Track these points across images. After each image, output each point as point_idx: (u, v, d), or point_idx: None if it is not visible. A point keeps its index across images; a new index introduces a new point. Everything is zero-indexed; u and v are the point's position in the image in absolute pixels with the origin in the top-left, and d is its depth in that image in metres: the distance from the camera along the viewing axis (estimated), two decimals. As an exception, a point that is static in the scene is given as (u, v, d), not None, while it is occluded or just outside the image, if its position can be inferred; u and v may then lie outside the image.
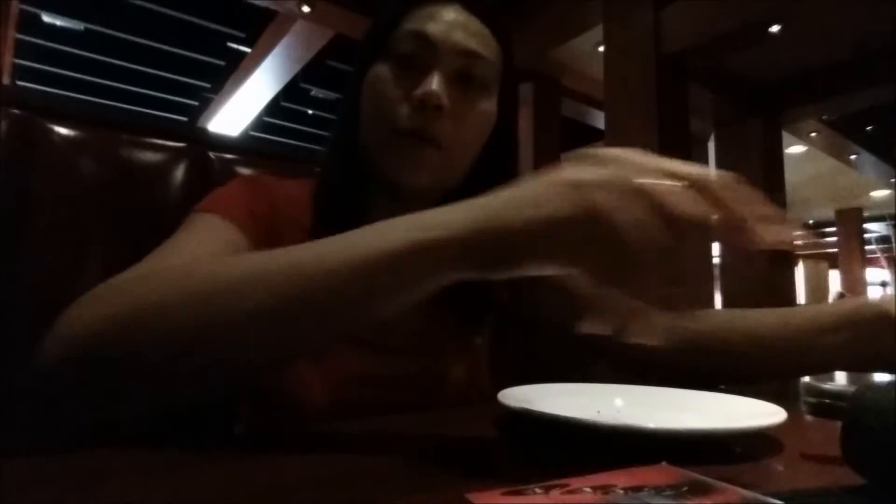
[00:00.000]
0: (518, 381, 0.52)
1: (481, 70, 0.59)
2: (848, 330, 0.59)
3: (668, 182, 0.33)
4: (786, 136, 5.51)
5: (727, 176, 0.34)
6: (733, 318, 0.68)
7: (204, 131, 2.16)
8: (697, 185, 0.33)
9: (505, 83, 0.63)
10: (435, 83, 0.55)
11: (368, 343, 0.59)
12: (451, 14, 0.59)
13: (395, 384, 0.60)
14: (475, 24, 0.59)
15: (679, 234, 0.32)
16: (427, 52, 0.57)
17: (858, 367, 0.62)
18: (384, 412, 0.52)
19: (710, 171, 0.34)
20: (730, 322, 0.67)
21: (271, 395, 0.56)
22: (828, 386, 0.50)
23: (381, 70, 0.58)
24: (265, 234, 0.57)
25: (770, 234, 0.33)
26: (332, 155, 0.64)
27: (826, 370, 0.65)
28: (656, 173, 0.33)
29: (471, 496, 0.25)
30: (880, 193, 8.41)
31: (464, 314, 0.66)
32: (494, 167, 0.63)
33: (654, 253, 0.32)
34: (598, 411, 0.48)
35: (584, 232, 0.33)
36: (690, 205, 0.32)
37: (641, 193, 0.32)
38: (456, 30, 0.58)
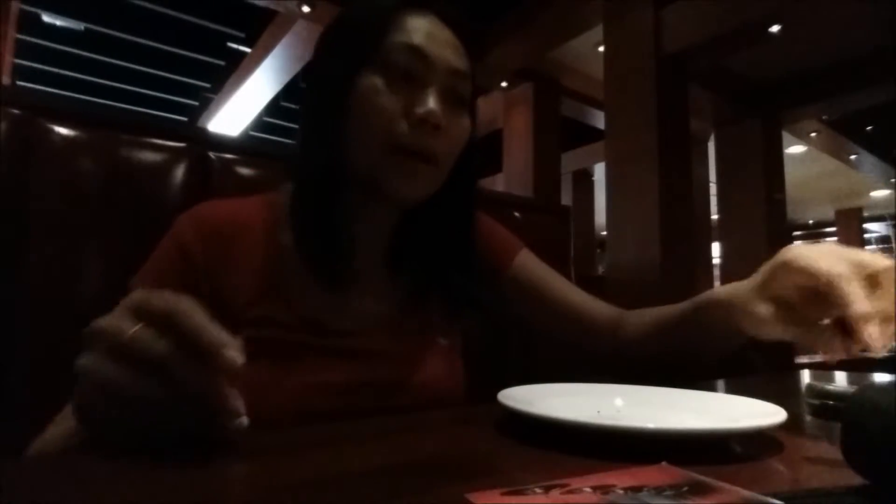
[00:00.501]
0: (498, 380, 0.52)
1: (464, 88, 0.62)
2: (694, 319, 0.64)
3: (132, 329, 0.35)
4: (786, 136, 5.51)
5: (188, 303, 0.36)
6: (645, 315, 0.73)
7: (204, 131, 2.17)
8: (162, 321, 0.35)
9: (472, 98, 0.65)
10: (432, 102, 0.57)
11: (337, 350, 0.59)
12: (436, 29, 0.60)
13: (366, 390, 0.60)
14: (458, 44, 0.62)
15: (168, 378, 0.34)
16: (423, 69, 0.58)
17: (720, 346, 0.67)
18: (356, 419, 0.51)
19: (174, 300, 0.36)
20: (643, 320, 0.72)
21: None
22: (830, 387, 0.50)
23: (375, 81, 0.58)
24: (209, 279, 0.58)
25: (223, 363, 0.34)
26: (314, 161, 0.61)
27: (701, 354, 0.69)
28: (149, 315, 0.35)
29: (471, 496, 0.25)
30: (880, 193, 8.42)
31: (440, 316, 0.67)
32: (460, 177, 0.66)
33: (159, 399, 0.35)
34: (598, 411, 0.47)
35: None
36: (149, 347, 0.34)
37: (123, 350, 0.35)
38: (447, 48, 0.60)
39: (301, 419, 0.53)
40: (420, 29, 0.59)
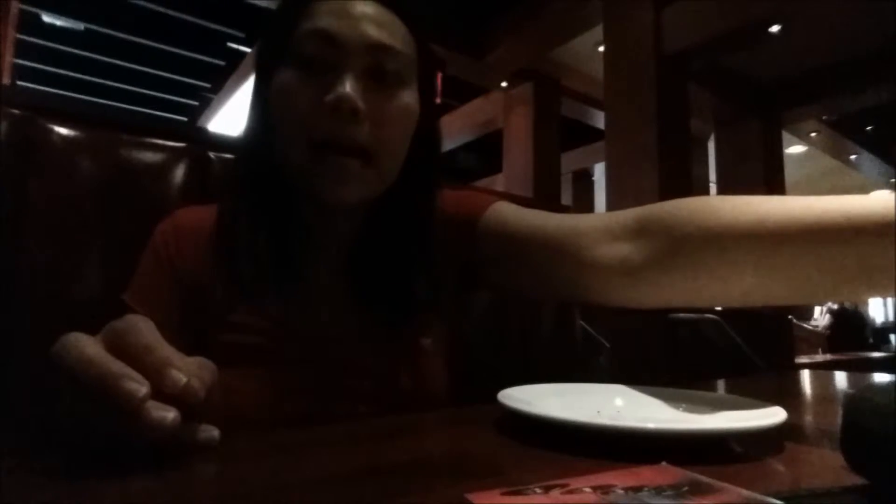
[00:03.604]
0: (498, 380, 0.51)
1: (395, 63, 0.54)
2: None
3: None
4: (786, 136, 5.52)
5: (143, 323, 0.37)
6: (726, 207, 0.48)
7: (204, 131, 2.16)
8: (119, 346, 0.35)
9: (423, 73, 0.58)
10: (347, 86, 0.51)
11: (310, 356, 0.59)
12: (354, 6, 0.54)
13: (342, 397, 0.59)
14: (381, 14, 0.54)
15: None
16: (333, 52, 0.52)
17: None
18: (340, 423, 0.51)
19: (130, 322, 0.37)
20: (722, 213, 0.48)
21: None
22: None
23: (286, 77, 0.53)
24: (190, 285, 0.58)
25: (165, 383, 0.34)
26: (248, 170, 0.58)
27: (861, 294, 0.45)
28: None
29: (471, 496, 0.25)
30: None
31: (405, 315, 0.63)
32: (419, 166, 0.59)
33: None
34: (598, 411, 0.47)
35: None
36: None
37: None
38: (361, 23, 0.53)
39: (278, 424, 0.53)
40: (330, 10, 0.53)
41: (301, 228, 0.60)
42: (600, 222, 0.57)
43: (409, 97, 0.56)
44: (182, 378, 0.34)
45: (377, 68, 0.54)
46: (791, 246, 0.44)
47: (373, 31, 0.53)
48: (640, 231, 0.53)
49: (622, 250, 0.53)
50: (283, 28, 0.55)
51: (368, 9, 0.54)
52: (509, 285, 0.69)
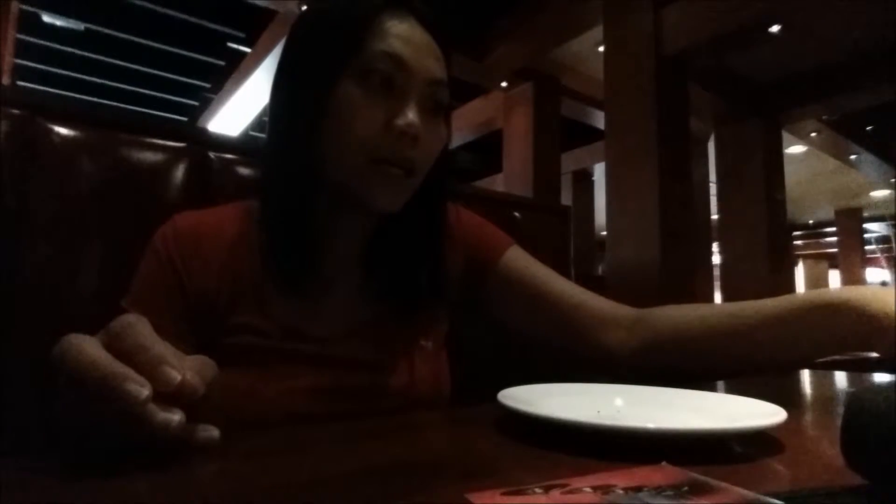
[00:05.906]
0: (498, 380, 0.51)
1: (441, 95, 0.60)
2: (798, 321, 0.60)
3: None
4: (786, 136, 5.52)
5: (139, 322, 0.36)
6: (688, 313, 0.68)
7: (204, 131, 2.16)
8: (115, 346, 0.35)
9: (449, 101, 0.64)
10: (414, 114, 0.56)
11: (315, 357, 0.59)
12: (416, 34, 0.58)
13: (345, 396, 0.60)
14: (436, 49, 0.60)
15: None
16: (403, 78, 0.57)
17: (821, 355, 0.63)
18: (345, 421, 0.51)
19: (126, 321, 0.36)
20: (685, 318, 0.68)
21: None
22: None
23: (353, 90, 0.56)
24: (191, 289, 0.58)
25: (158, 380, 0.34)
26: (285, 168, 0.60)
27: (780, 363, 0.66)
28: None
29: (471, 496, 0.25)
30: (880, 193, 8.42)
31: (412, 318, 0.66)
32: (435, 174, 0.63)
33: None
34: (598, 411, 0.47)
35: None
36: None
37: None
38: (428, 56, 0.58)
39: (281, 424, 0.53)
40: (400, 35, 0.57)
41: (317, 230, 0.62)
42: (608, 310, 0.72)
43: (444, 126, 0.63)
44: (176, 376, 0.33)
45: (431, 98, 0.60)
46: (734, 336, 0.64)
47: (433, 66, 0.59)
48: (634, 327, 0.70)
49: (619, 338, 0.70)
50: (351, 43, 0.57)
51: (430, 43, 0.59)
52: (508, 320, 0.77)
